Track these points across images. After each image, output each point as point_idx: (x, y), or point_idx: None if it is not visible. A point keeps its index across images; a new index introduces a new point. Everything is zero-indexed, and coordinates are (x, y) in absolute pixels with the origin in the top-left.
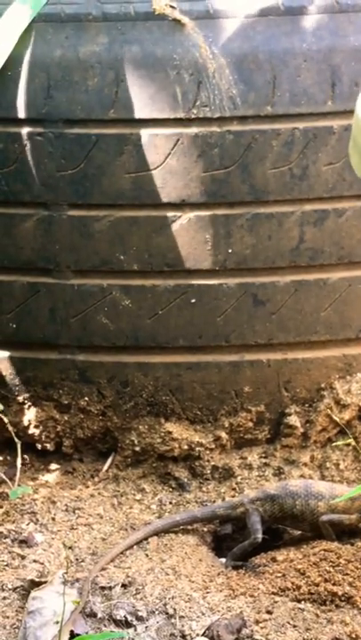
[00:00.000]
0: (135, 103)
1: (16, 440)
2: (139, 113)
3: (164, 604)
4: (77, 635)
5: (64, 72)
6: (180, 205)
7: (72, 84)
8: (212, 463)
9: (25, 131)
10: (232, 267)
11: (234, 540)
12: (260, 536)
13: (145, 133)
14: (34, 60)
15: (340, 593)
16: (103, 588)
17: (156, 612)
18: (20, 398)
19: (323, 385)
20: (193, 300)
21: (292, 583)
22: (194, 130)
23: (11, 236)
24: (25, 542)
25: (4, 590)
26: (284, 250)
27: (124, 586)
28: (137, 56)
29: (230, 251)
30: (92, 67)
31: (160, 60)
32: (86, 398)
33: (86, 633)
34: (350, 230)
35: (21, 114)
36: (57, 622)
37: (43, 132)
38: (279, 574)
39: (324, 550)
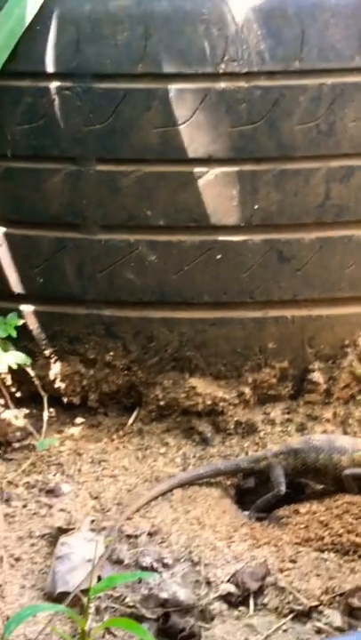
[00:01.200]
0: (164, 58)
1: (42, 394)
2: (167, 68)
3: (189, 552)
4: None
5: (93, 26)
6: (207, 161)
7: (101, 39)
8: (236, 418)
9: (53, 85)
10: (258, 223)
11: (256, 494)
12: (283, 488)
13: (173, 88)
14: (63, 14)
15: None
16: (129, 537)
17: (182, 560)
18: (47, 352)
19: (346, 342)
20: (218, 257)
21: (316, 534)
22: (222, 85)
23: (39, 191)
24: (52, 492)
25: (32, 537)
26: (310, 206)
27: (149, 534)
28: (166, 10)
29: (256, 207)
30: (122, 21)
31: (189, 14)
32: (112, 353)
33: None
34: None
35: (50, 68)
36: (90, 560)
37: (71, 87)
38: (302, 525)
39: (347, 503)
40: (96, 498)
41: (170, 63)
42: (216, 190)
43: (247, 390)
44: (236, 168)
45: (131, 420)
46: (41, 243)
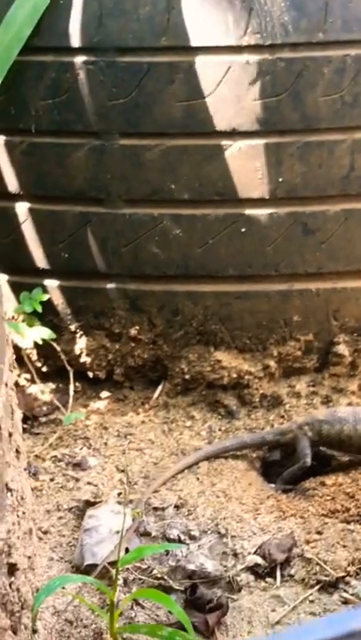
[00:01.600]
0: (187, 31)
1: (68, 368)
2: (190, 41)
3: (216, 525)
4: None
5: (116, 0)
6: (231, 134)
7: (124, 13)
8: (261, 391)
9: (77, 60)
10: (282, 195)
11: (282, 467)
12: (309, 460)
13: (196, 61)
14: None
15: None
16: (156, 509)
17: (209, 532)
18: (72, 327)
19: None
20: (243, 230)
21: (342, 505)
22: (245, 57)
23: (63, 166)
24: (79, 466)
25: (59, 510)
26: (335, 178)
27: (176, 507)
28: None
29: (280, 179)
30: None
31: None
32: (137, 327)
33: None
34: None
35: (74, 42)
36: (117, 532)
37: (95, 61)
38: (328, 497)
39: None
40: (122, 471)
41: (193, 36)
42: (240, 163)
43: (272, 363)
44: (260, 141)
45: (156, 394)
46: (65, 218)
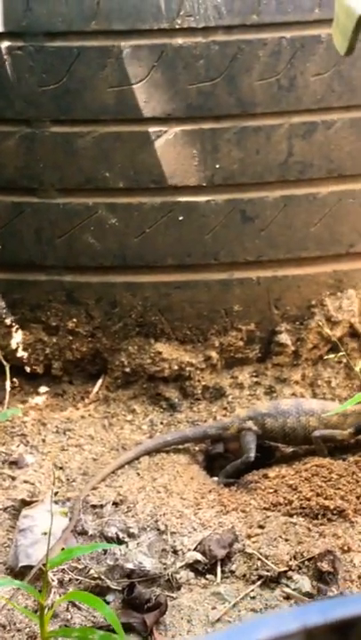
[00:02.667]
0: (117, 14)
1: (4, 363)
2: (121, 24)
3: (156, 521)
4: None
5: None
6: (166, 120)
7: None
8: (203, 383)
9: (4, 45)
10: (220, 182)
11: (225, 460)
12: (252, 455)
13: (128, 45)
14: None
15: (331, 507)
16: (94, 507)
17: (148, 529)
18: (8, 321)
19: (313, 302)
20: (180, 218)
21: (284, 498)
22: (178, 41)
23: None
24: (15, 464)
25: None
26: (273, 164)
27: (115, 504)
28: None
29: (218, 166)
30: None
31: None
32: (74, 320)
33: None
34: (340, 143)
35: (0, 28)
36: (45, 533)
37: (23, 46)
38: (271, 490)
39: (316, 466)
40: (61, 468)
41: (124, 20)
42: (176, 150)
43: (214, 354)
44: (195, 126)
45: (96, 388)
46: None
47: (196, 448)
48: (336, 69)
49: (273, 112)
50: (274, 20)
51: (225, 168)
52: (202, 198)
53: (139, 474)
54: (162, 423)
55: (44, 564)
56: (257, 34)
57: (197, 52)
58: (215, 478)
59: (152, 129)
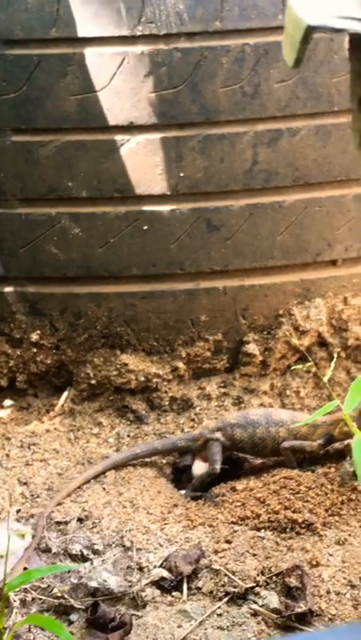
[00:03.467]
0: (78, 21)
1: None
2: (82, 31)
3: (121, 537)
4: None
5: None
6: (129, 128)
7: (10, 3)
8: (170, 394)
9: None
10: (184, 191)
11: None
12: (218, 467)
13: (89, 52)
14: None
15: (300, 520)
16: (59, 523)
17: (113, 545)
18: None
19: (281, 311)
20: (145, 227)
21: (252, 512)
22: (140, 48)
23: None
24: None
25: None
26: (238, 172)
27: (80, 520)
28: None
29: (182, 174)
30: None
31: None
32: (38, 332)
33: None
34: (305, 150)
35: None
36: (12, 553)
37: None
38: (239, 503)
39: (285, 478)
40: (25, 484)
41: (84, 26)
42: (140, 158)
43: (181, 365)
44: (159, 134)
45: (61, 401)
46: None
47: (164, 461)
48: (300, 76)
49: (237, 120)
50: (237, 26)
51: (189, 177)
52: (166, 207)
53: (105, 488)
54: (129, 436)
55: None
56: (220, 40)
57: (160, 60)
58: (183, 491)
59: (115, 137)
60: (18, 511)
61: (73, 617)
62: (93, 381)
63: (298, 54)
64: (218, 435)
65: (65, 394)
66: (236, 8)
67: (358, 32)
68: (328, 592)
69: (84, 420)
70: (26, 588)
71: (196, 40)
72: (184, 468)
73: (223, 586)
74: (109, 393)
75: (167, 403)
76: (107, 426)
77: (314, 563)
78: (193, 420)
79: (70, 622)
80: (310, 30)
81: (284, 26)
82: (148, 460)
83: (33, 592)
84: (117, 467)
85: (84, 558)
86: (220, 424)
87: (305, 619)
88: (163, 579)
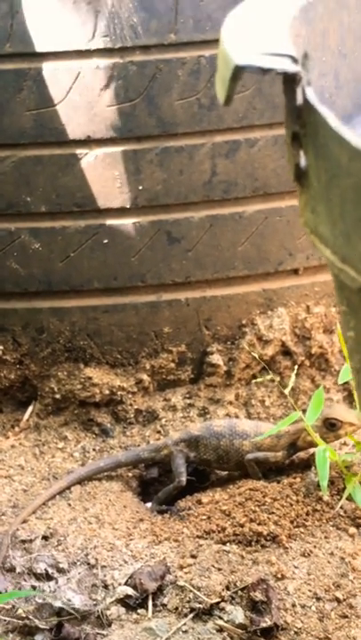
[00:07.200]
0: (32, 36)
1: None
2: (36, 46)
3: (86, 555)
4: None
5: None
6: (86, 142)
7: None
8: (136, 407)
9: None
10: (144, 204)
11: (161, 484)
12: (184, 479)
13: (44, 67)
14: None
15: (265, 532)
16: (24, 542)
17: (78, 563)
18: None
19: (244, 321)
20: (105, 241)
21: (217, 525)
22: (95, 62)
23: None
24: None
25: None
26: (197, 184)
27: (45, 538)
28: None
29: (141, 187)
30: None
31: None
32: (1, 347)
33: (5, 589)
34: (263, 161)
35: None
36: None
37: None
38: (204, 517)
39: (250, 489)
40: None
41: (39, 41)
42: (98, 172)
43: (145, 377)
44: (116, 148)
45: (26, 416)
46: None
47: (130, 474)
48: (257, 87)
49: (195, 131)
50: (192, 38)
51: (148, 189)
52: (126, 220)
53: (70, 504)
54: (94, 450)
55: None
56: (175, 53)
57: (115, 73)
58: (149, 504)
59: (73, 151)
60: None
61: (37, 637)
62: (58, 395)
63: (228, 92)
64: (181, 446)
65: (30, 408)
66: (191, 20)
67: (287, 72)
68: (294, 605)
69: (49, 435)
70: None
71: (151, 53)
72: (151, 481)
73: (188, 602)
74: (74, 407)
75: (132, 415)
76: (72, 440)
77: (279, 576)
78: (159, 431)
79: None
80: (239, 70)
81: (218, 63)
82: (114, 473)
83: None
84: (82, 481)
85: (48, 577)
86: (184, 435)
87: (271, 633)
88: (128, 596)
